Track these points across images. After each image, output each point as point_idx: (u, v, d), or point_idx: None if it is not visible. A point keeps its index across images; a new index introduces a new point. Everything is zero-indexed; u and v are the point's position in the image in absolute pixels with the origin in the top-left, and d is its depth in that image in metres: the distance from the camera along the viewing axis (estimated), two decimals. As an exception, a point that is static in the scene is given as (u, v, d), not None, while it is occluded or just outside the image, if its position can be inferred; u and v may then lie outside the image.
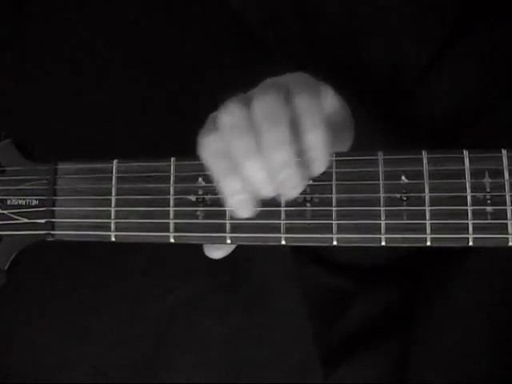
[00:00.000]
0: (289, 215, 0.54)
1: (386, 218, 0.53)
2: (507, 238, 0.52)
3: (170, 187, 0.55)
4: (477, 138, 0.68)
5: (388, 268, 0.76)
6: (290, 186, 0.51)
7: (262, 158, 0.50)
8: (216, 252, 0.57)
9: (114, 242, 0.56)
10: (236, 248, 0.58)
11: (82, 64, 0.97)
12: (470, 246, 0.53)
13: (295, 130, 0.50)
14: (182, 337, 1.03)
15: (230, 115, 0.50)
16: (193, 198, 0.54)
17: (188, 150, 0.55)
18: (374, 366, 0.73)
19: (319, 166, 0.51)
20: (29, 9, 0.96)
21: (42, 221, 0.55)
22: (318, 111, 0.51)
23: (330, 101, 0.58)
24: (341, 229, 0.53)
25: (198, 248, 0.58)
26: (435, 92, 0.73)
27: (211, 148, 0.51)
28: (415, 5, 0.74)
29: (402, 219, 0.53)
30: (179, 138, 0.55)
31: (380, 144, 0.55)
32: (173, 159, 0.55)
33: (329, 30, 0.75)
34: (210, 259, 0.57)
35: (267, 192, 0.51)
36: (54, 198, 0.56)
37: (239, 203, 0.51)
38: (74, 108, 0.95)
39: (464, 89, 0.72)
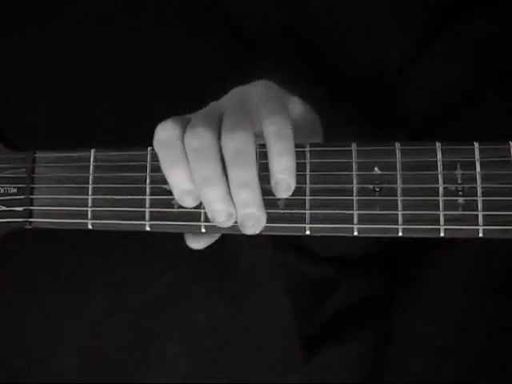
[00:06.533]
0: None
1: (359, 208, 0.54)
2: (477, 230, 0.53)
3: (146, 176, 0.55)
4: (457, 131, 0.69)
5: (370, 257, 0.76)
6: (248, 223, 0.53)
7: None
8: (195, 243, 0.57)
9: (91, 229, 0.56)
10: (221, 238, 0.58)
11: (65, 55, 0.98)
12: (443, 237, 0.54)
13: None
14: (167, 326, 1.03)
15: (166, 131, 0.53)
16: (168, 187, 0.55)
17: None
18: (352, 352, 0.74)
19: (286, 190, 0.53)
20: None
21: (20, 209, 0.56)
22: (289, 136, 0.52)
23: (297, 111, 0.59)
24: (313, 219, 0.54)
25: (183, 238, 0.58)
26: (417, 86, 0.74)
27: (161, 137, 0.53)
28: None
29: (375, 210, 0.54)
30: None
31: (351, 138, 0.56)
32: (149, 148, 0.56)
33: (311, 25, 0.76)
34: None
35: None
36: (33, 186, 0.56)
37: (183, 195, 0.53)
38: (55, 97, 0.95)
39: (446, 82, 0.72)
